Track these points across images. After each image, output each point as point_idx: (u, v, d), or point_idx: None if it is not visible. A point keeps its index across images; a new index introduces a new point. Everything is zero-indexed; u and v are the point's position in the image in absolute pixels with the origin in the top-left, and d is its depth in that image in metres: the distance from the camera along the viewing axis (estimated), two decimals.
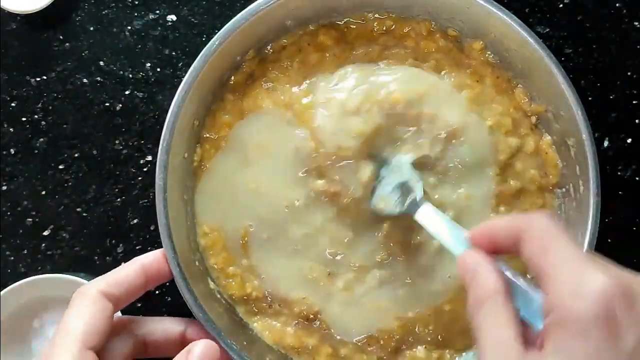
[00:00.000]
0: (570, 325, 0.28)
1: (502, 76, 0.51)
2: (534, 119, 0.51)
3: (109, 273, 0.43)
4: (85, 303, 0.41)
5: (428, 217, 0.45)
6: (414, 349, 0.50)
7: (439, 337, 0.50)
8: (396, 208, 0.47)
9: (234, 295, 0.50)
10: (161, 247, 0.46)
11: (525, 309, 0.33)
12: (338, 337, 0.50)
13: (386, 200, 0.48)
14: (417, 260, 0.50)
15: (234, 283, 0.50)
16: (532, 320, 0.33)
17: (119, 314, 0.50)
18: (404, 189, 0.47)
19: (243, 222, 0.50)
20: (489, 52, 0.51)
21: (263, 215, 0.50)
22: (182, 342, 0.45)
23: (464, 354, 0.50)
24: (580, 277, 0.29)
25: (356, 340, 0.50)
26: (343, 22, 0.52)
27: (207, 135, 0.51)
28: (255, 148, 0.50)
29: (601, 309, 0.27)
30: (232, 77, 0.51)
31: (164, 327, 0.46)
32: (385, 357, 0.50)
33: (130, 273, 0.43)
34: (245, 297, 0.50)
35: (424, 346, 0.50)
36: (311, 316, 0.50)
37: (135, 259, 0.45)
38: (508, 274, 0.35)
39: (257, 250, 0.50)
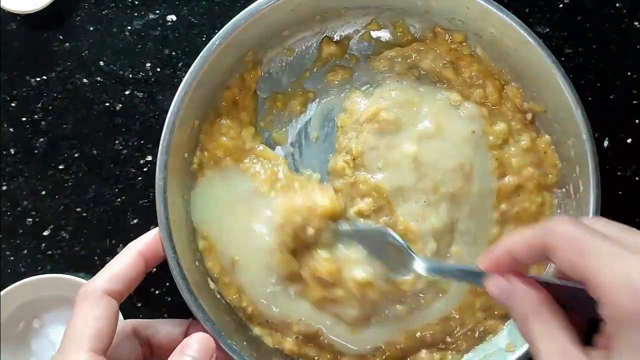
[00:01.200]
0: (634, 323, 0.28)
1: (488, 68, 0.52)
2: (529, 116, 0.51)
3: (108, 267, 0.43)
4: (90, 305, 0.40)
5: (436, 270, 0.45)
6: (417, 353, 0.50)
7: (442, 340, 0.50)
8: (396, 275, 0.48)
9: (232, 302, 0.50)
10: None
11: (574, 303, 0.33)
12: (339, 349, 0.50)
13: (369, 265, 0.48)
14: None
15: (231, 289, 0.50)
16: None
17: (121, 317, 0.50)
18: (388, 253, 0.47)
19: (230, 252, 0.50)
20: (475, 46, 0.52)
21: (250, 256, 0.49)
22: None
23: (465, 355, 0.50)
24: (628, 271, 0.29)
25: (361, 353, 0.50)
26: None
27: (207, 144, 0.51)
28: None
29: None
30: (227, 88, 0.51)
31: (167, 328, 0.46)
32: None
33: (129, 264, 0.43)
34: (242, 309, 0.50)
35: (426, 349, 0.50)
36: (312, 334, 0.50)
37: (130, 245, 0.44)
38: (544, 279, 0.34)
39: (247, 281, 0.50)
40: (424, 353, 0.50)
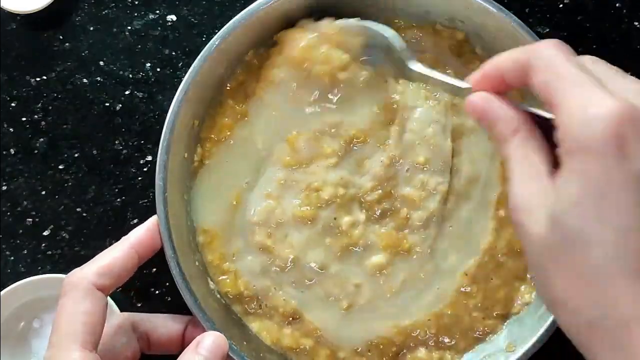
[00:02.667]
0: (582, 148, 0.28)
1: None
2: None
3: (97, 258, 0.43)
4: (77, 298, 0.40)
5: (424, 69, 0.44)
6: (415, 352, 0.50)
7: (440, 339, 0.50)
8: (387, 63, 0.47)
9: (229, 293, 0.50)
10: (161, 247, 0.46)
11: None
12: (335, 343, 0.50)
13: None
14: (403, 275, 0.50)
15: (228, 280, 0.50)
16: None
17: (117, 310, 0.50)
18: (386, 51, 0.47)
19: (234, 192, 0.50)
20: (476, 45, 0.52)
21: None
22: (184, 339, 0.46)
23: (464, 355, 0.50)
24: (590, 100, 0.29)
25: (355, 349, 0.50)
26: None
27: (208, 135, 0.51)
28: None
29: (612, 130, 0.28)
30: (229, 85, 0.51)
31: (166, 324, 0.46)
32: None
33: (120, 257, 0.43)
34: (238, 296, 0.50)
35: (424, 348, 0.50)
36: (297, 316, 0.50)
37: (124, 238, 0.44)
38: (524, 106, 0.35)
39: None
40: (422, 352, 0.50)
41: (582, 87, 0.30)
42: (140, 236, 0.45)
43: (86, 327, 0.39)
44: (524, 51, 0.33)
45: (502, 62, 0.35)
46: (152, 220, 0.46)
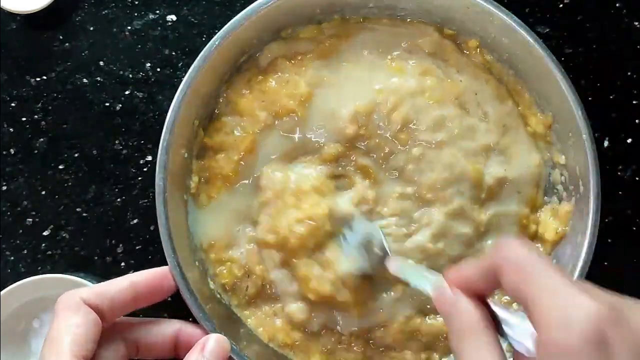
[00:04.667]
0: (562, 353, 0.27)
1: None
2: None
3: (99, 284, 0.43)
4: (68, 313, 0.40)
5: (399, 268, 0.44)
6: (403, 351, 0.50)
7: (426, 341, 0.50)
8: (365, 267, 0.47)
9: (226, 285, 0.50)
10: (161, 247, 0.46)
11: (515, 335, 0.32)
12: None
13: (353, 260, 0.47)
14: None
15: (225, 271, 0.50)
16: (522, 347, 0.32)
17: None
18: (368, 245, 0.47)
19: None
20: (486, 53, 0.52)
21: None
22: (176, 342, 0.45)
23: (451, 354, 0.50)
24: (565, 305, 0.28)
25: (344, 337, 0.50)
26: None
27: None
28: None
29: (591, 335, 0.27)
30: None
31: (157, 328, 0.45)
32: (373, 356, 0.50)
33: (118, 286, 0.43)
34: (233, 286, 0.50)
35: (411, 351, 0.50)
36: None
37: (129, 274, 0.44)
38: (494, 306, 0.34)
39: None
40: (409, 354, 0.50)
41: (555, 292, 0.29)
42: (141, 276, 0.44)
43: (75, 338, 0.39)
44: (488, 258, 0.33)
45: (468, 271, 0.34)
46: (163, 268, 0.46)
